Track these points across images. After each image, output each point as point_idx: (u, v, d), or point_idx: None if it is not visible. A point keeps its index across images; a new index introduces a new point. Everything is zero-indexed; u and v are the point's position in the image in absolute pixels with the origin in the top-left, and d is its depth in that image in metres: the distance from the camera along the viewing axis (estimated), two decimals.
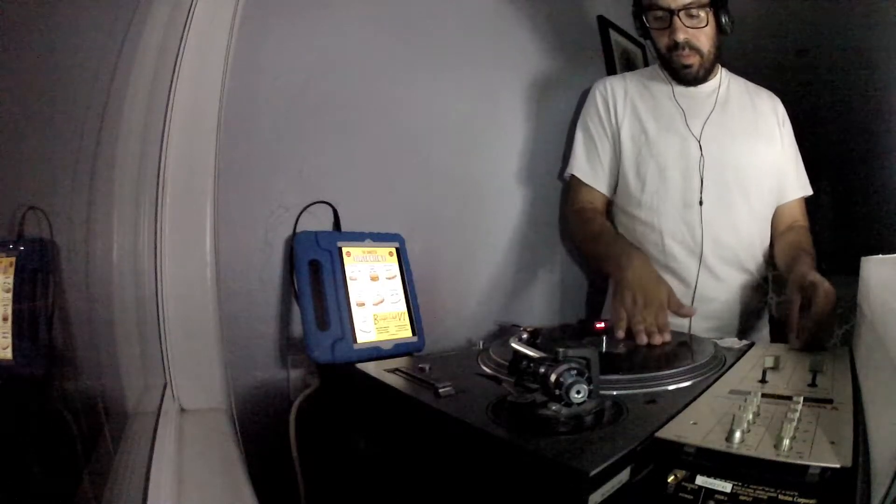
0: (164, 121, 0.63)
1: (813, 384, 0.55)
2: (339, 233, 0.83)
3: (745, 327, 1.05)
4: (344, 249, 0.80)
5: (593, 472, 0.36)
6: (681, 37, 0.98)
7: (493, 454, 0.44)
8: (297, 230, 0.80)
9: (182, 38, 0.64)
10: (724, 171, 1.02)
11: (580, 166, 1.11)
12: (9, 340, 0.53)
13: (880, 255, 0.68)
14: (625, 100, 1.09)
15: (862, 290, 0.73)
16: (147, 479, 0.44)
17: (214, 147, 0.67)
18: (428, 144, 1.00)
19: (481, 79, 1.10)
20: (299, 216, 0.80)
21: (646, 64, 1.59)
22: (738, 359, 0.67)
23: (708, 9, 0.97)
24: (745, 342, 0.77)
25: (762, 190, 1.06)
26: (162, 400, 0.61)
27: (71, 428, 0.50)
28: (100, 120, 0.58)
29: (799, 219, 1.10)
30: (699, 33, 0.99)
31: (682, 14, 0.96)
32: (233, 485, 0.50)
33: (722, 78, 1.09)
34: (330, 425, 0.72)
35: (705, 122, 1.04)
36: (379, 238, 0.86)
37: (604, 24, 1.46)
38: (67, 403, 0.54)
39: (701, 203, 1.01)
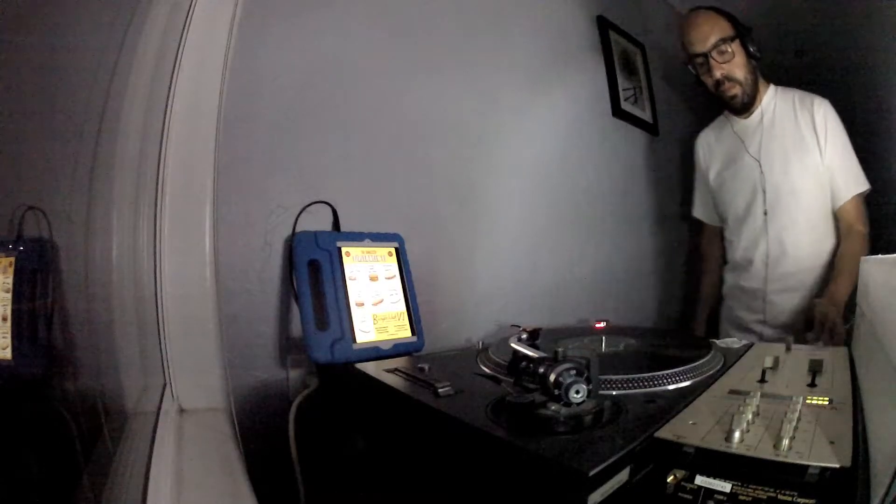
0: (164, 121, 0.63)
1: (812, 384, 0.55)
2: (338, 233, 0.83)
3: (807, 331, 1.10)
4: (343, 249, 0.80)
5: (592, 472, 0.36)
6: (717, 74, 1.15)
7: (493, 454, 0.44)
8: (297, 230, 0.80)
9: (182, 38, 0.63)
10: (773, 188, 1.17)
11: (696, 208, 1.42)
12: (8, 340, 0.54)
13: (880, 255, 0.68)
14: (709, 147, 1.34)
15: (861, 290, 0.73)
16: (146, 479, 0.44)
17: (214, 147, 0.67)
18: (427, 144, 1.00)
19: (481, 78, 1.10)
20: (299, 216, 0.80)
21: (645, 64, 1.61)
22: (738, 359, 0.67)
23: (732, 42, 1.12)
24: (744, 342, 0.77)
25: (803, 202, 1.15)
26: (161, 400, 0.61)
27: (70, 428, 0.50)
28: (99, 120, 0.58)
29: (854, 223, 1.13)
30: (732, 66, 1.14)
31: (714, 54, 1.13)
32: (232, 485, 0.50)
33: (768, 100, 1.20)
34: (329, 425, 0.72)
35: (760, 146, 1.20)
36: (378, 238, 0.86)
37: (604, 24, 1.46)
38: (67, 403, 0.54)
39: (766, 213, 1.19)
